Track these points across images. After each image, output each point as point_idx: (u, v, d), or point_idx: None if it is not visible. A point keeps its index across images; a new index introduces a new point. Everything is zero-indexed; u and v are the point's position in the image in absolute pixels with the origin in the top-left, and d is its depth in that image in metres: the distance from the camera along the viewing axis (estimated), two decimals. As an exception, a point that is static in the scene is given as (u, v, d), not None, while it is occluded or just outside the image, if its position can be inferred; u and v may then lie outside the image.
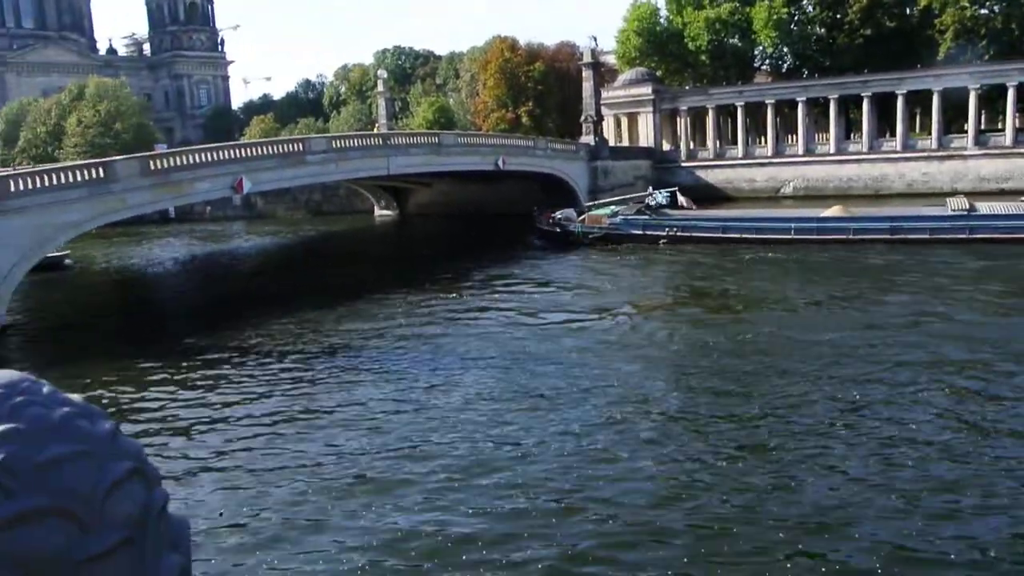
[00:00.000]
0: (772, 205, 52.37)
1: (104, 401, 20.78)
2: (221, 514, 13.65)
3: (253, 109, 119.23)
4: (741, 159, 70.91)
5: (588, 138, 67.14)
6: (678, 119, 73.67)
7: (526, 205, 51.38)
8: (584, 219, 46.55)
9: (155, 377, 22.71)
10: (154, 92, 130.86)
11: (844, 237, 39.94)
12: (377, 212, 73.97)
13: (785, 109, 70.95)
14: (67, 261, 48.11)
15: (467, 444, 16.10)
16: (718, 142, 72.55)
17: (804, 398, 17.89)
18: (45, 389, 1.17)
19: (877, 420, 16.30)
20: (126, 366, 24.01)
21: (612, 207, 47.68)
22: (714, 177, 70.86)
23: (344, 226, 67.44)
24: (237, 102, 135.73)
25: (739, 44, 75.97)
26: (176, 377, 22.50)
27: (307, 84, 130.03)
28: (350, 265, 45.25)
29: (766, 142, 71.21)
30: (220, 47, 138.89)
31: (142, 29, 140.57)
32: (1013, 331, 22.98)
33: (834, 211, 43.05)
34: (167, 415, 19.43)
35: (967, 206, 40.93)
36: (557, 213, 47.16)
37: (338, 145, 46.93)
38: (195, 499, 14.42)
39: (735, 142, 72.35)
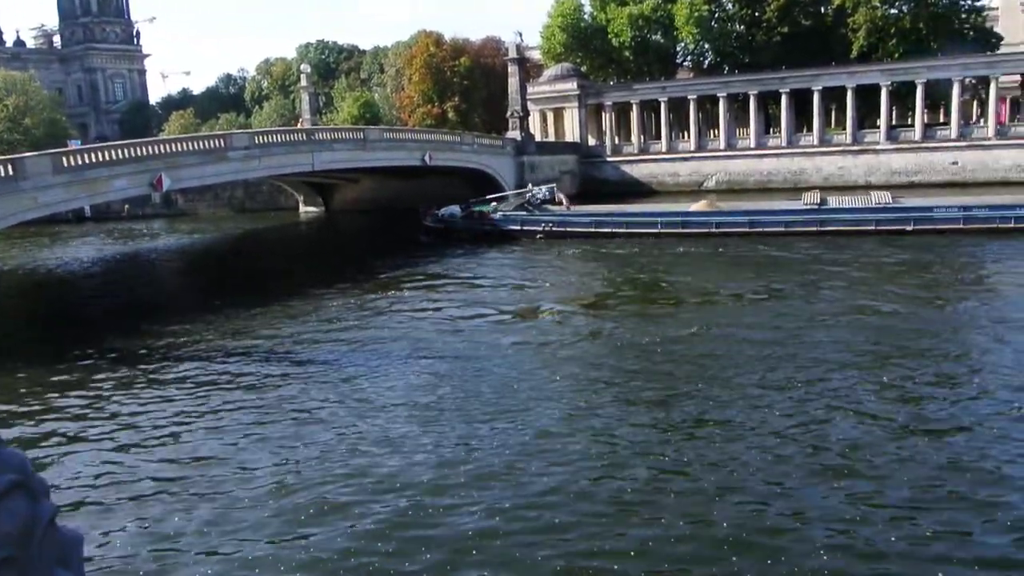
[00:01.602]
0: (695, 199, 53.67)
1: (12, 409, 20.09)
2: (135, 525, 13.34)
3: (172, 104, 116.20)
4: (665, 154, 72.12)
5: (515, 133, 67.38)
6: (603, 114, 74.49)
7: (454, 201, 51.67)
8: (467, 215, 47.99)
9: (70, 383, 21.97)
10: (66, 86, 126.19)
11: (707, 231, 42.00)
12: (302, 209, 72.92)
13: (707, 105, 72.41)
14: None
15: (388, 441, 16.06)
16: (642, 137, 73.65)
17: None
18: None
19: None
20: (39, 373, 23.17)
21: (494, 204, 49.18)
22: (639, 172, 71.90)
23: (268, 223, 66.32)
24: (155, 97, 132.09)
25: (662, 40, 77.18)
26: (92, 384, 21.77)
27: (228, 78, 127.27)
28: (273, 264, 44.86)
29: (689, 137, 72.58)
30: (136, 40, 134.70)
31: (52, 20, 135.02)
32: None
33: (700, 206, 45.44)
34: (81, 423, 18.81)
35: (819, 200, 43.51)
36: (442, 210, 48.49)
37: (261, 141, 45.99)
38: (108, 510, 14.05)
39: (659, 137, 73.57)
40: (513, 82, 69.35)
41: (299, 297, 31.99)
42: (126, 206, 72.99)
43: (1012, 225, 37.72)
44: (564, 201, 50.07)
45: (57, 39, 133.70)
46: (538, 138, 71.79)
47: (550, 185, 52.75)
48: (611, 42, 76.05)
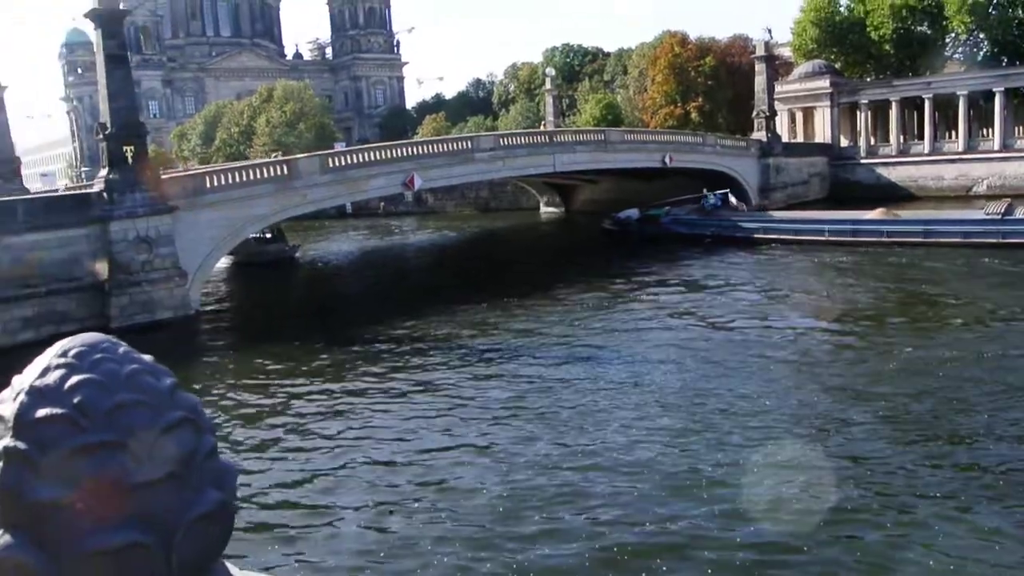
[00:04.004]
0: (963, 205, 49.25)
1: (265, 383, 22.15)
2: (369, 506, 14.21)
3: (426, 108, 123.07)
4: (927, 155, 66.41)
5: (760, 134, 64.82)
6: (857, 113, 69.88)
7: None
8: (641, 218, 49.16)
9: (323, 364, 23.94)
10: (334, 93, 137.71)
11: (877, 239, 40.05)
12: (543, 209, 74.63)
13: (980, 101, 65.68)
14: (297, 255, 51.37)
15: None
16: (902, 137, 68.26)
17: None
18: (121, 349, 1.42)
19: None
20: (298, 353, 25.40)
21: (667, 208, 49.81)
22: (897, 175, 66.75)
23: (510, 222, 68.52)
24: (411, 101, 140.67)
25: (928, 31, 71.05)
26: (341, 368, 23.60)
27: (477, 83, 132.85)
28: (511, 260, 46.73)
29: (956, 137, 66.26)
30: (396, 49, 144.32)
31: (325, 34, 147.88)
32: None
33: (876, 214, 43.20)
34: (324, 401, 20.46)
35: (1003, 210, 39.80)
36: (622, 213, 50.04)
37: (505, 143, 47.67)
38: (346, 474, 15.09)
39: (921, 137, 67.84)
40: (760, 80, 66.73)
41: (529, 294, 32.86)
42: (382, 203, 78.32)
43: None
44: (738, 205, 50.67)
45: (329, 51, 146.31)
46: (785, 139, 68.66)
47: (724, 191, 52.13)
48: (869, 36, 71.12)
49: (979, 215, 40.87)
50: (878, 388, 18.88)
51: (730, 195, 51.65)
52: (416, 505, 13.88)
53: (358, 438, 17.58)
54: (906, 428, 16.33)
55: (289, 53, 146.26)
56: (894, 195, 62.74)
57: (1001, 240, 37.20)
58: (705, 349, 23.33)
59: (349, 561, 12.27)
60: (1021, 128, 65.54)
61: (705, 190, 51.97)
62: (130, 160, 31.55)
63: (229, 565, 1.53)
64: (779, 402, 18.29)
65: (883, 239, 40.02)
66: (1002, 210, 40.14)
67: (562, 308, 30.11)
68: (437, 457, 16.14)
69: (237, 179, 34.89)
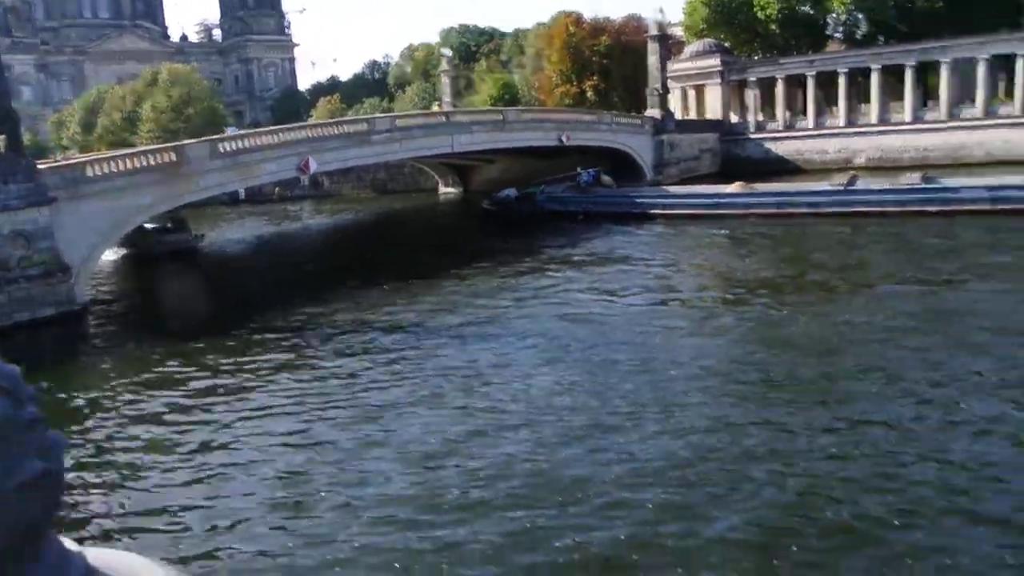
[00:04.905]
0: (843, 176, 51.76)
1: (157, 377, 21.43)
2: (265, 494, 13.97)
3: (320, 90, 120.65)
4: (812, 130, 69.06)
5: (654, 111, 66.09)
6: (746, 90, 71.96)
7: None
8: (519, 197, 50.67)
9: (221, 356, 23.28)
10: (224, 76, 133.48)
11: (736, 212, 42.51)
12: (442, 190, 74.27)
13: (858, 78, 68.54)
14: (202, 244, 49.53)
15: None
16: (788, 113, 70.69)
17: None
18: None
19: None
20: (194, 346, 24.64)
21: (542, 186, 51.59)
22: (783, 149, 69.22)
23: (407, 204, 68.02)
24: (304, 84, 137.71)
25: (811, 12, 73.67)
26: (241, 359, 23.01)
27: (373, 65, 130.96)
28: (408, 242, 46.72)
29: (838, 112, 69.04)
30: (287, 30, 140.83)
31: (213, 15, 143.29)
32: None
33: (734, 187, 45.86)
34: (222, 395, 19.92)
35: (846, 182, 43.40)
36: (499, 193, 51.69)
37: (402, 124, 47.18)
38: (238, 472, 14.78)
39: (806, 113, 70.42)
40: (653, 59, 67.96)
41: (424, 276, 32.95)
42: (276, 188, 76.43)
43: None
44: (610, 183, 52.44)
45: (217, 32, 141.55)
46: (678, 116, 70.15)
47: (596, 168, 53.44)
48: (756, 16, 73.23)
49: (826, 187, 43.87)
50: (769, 352, 19.65)
51: (601, 172, 53.23)
52: (323, 496, 13.67)
53: (257, 432, 17.15)
54: (796, 388, 17.05)
55: (175, 35, 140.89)
56: (782, 169, 65.10)
57: (846, 210, 40.07)
58: (601, 321, 23.78)
59: (250, 557, 12.03)
60: (895, 103, 68.73)
61: (579, 168, 53.21)
62: (2, 150, 29.86)
63: (64, 539, 1.52)
64: (676, 368, 18.84)
65: (741, 211, 42.51)
66: (846, 181, 43.57)
67: (461, 288, 30.15)
68: (341, 447, 15.93)
69: (121, 167, 33.34)
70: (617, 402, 16.92)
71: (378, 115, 57.86)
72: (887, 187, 42.56)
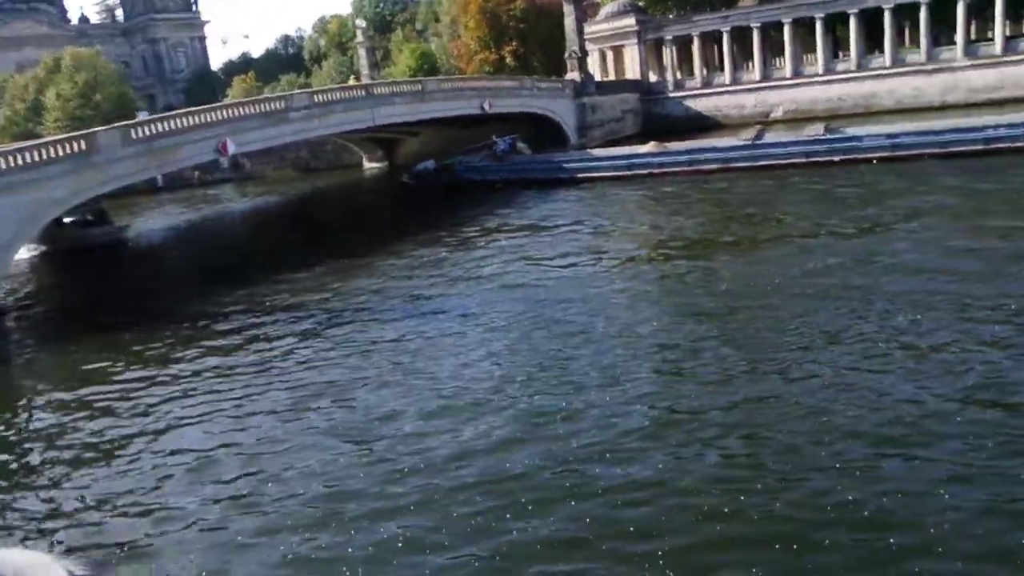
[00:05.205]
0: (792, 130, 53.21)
1: (83, 376, 20.91)
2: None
3: (234, 69, 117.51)
4: (729, 86, 70.04)
5: (574, 74, 66.19)
6: (663, 49, 72.46)
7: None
8: (437, 168, 51.28)
9: (151, 350, 22.77)
10: (131, 59, 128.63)
11: (650, 172, 43.71)
12: (366, 165, 73.39)
13: (771, 32, 69.68)
14: (127, 236, 48.22)
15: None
16: (705, 70, 71.51)
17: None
18: None
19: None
20: (121, 342, 24.02)
21: (460, 157, 52.06)
22: (703, 105, 70.12)
23: (332, 181, 67.05)
24: (217, 63, 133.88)
25: (721, -33, 74.33)
26: (172, 352, 22.53)
27: (286, 40, 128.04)
28: (335, 221, 46.50)
29: (753, 67, 70.14)
30: (194, 7, 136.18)
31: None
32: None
33: (648, 148, 47.17)
34: (153, 389, 19.54)
35: (753, 136, 45.05)
36: (418, 166, 52.46)
37: (320, 99, 46.25)
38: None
39: (722, 69, 71.35)
40: (569, 22, 67.90)
41: (355, 253, 32.84)
42: (196, 173, 74.38)
43: None
44: (526, 149, 53.09)
45: (119, 12, 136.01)
46: (598, 78, 70.37)
47: (512, 136, 53.89)
48: (669, -27, 73.63)
49: (735, 142, 45.12)
50: (702, 308, 20.08)
51: (517, 140, 53.60)
52: (259, 490, 13.56)
53: (193, 424, 16.91)
54: (738, 339, 17.49)
55: (74, 17, 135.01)
56: (703, 125, 66.04)
57: (754, 164, 41.36)
58: (536, 286, 23.94)
59: (181, 555, 11.90)
60: (808, 55, 70.15)
61: (495, 136, 53.29)
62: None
63: None
64: (618, 326, 19.14)
65: (656, 171, 43.56)
66: (753, 136, 44.91)
67: (389, 265, 29.97)
68: (275, 434, 15.78)
69: (28, 160, 32.00)
70: (558, 369, 17.14)
71: (296, 91, 56.61)
72: (792, 139, 43.94)
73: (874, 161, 38.70)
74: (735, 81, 70.02)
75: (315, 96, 46.70)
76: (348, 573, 10.72)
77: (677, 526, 10.97)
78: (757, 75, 69.28)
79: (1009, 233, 23.53)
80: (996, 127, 38.89)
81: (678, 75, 72.45)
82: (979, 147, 37.54)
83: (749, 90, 69.12)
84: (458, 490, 12.48)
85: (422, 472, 13.18)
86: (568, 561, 10.50)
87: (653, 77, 73.15)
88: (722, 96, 69.90)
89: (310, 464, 14.09)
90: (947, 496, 10.87)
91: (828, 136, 42.80)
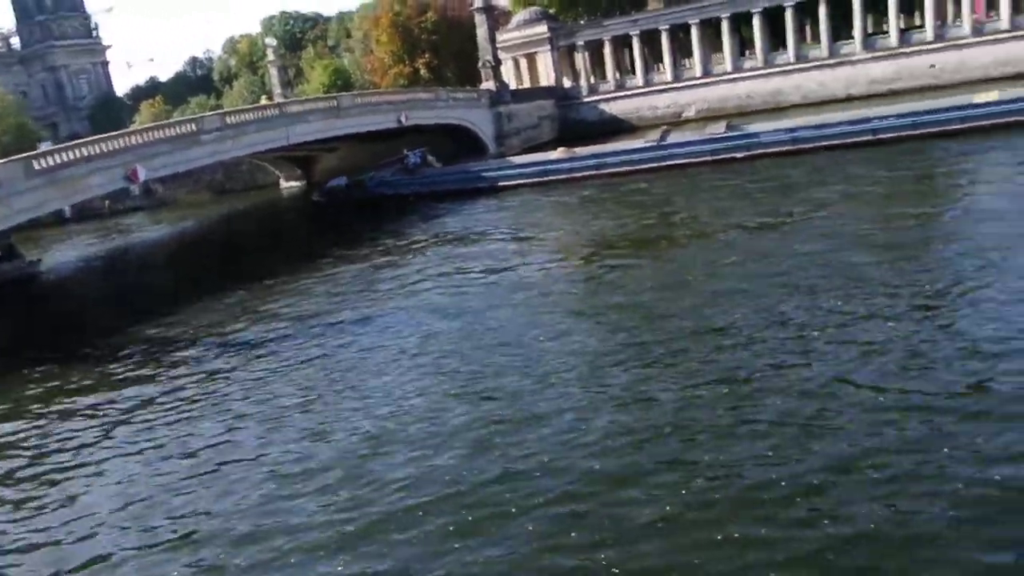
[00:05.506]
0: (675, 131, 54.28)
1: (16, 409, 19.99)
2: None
3: (141, 94, 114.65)
4: (642, 88, 71.25)
5: (489, 84, 66.32)
6: (576, 55, 73.34)
7: (437, 158, 54.16)
8: (350, 185, 51.29)
9: (67, 387, 21.86)
10: (30, 88, 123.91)
11: (563, 178, 44.34)
12: (283, 184, 72.12)
13: (680, 34, 71.13)
14: (41, 270, 46.49)
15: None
16: (617, 73, 72.60)
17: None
18: None
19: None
20: (33, 381, 23.01)
21: (372, 172, 52.22)
22: (618, 108, 71.11)
23: (249, 203, 65.66)
24: (122, 88, 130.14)
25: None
26: (91, 387, 21.69)
27: (194, 62, 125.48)
28: (254, 244, 45.57)
29: (664, 68, 71.47)
30: (95, 32, 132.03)
31: (7, 22, 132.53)
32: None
33: (557, 154, 48.02)
34: (72, 426, 18.76)
35: (659, 137, 46.29)
36: (329, 183, 52.37)
37: (232, 120, 45.22)
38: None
39: (634, 72, 72.48)
40: (482, 32, 68.07)
41: (274, 276, 32.18)
42: (107, 202, 72.02)
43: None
44: (435, 162, 53.13)
45: (15, 40, 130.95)
46: (513, 86, 70.73)
47: (422, 148, 54.05)
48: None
49: (641, 144, 46.14)
50: (629, 306, 20.23)
51: (427, 153, 53.61)
52: (191, 525, 13.09)
53: (124, 456, 16.29)
54: (663, 338, 17.63)
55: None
56: (618, 128, 66.92)
57: (661, 164, 42.30)
58: (444, 304, 23.79)
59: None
60: (717, 55, 71.81)
61: (405, 150, 53.29)
62: None
63: None
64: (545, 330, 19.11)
65: (565, 176, 44.27)
66: (658, 137, 45.94)
67: (309, 283, 29.49)
68: (211, 468, 15.27)
69: (-78, 198, 30.49)
70: (491, 380, 17.02)
71: (207, 113, 55.31)
72: (696, 138, 45.12)
73: (775, 156, 39.93)
74: (647, 83, 71.24)
75: (227, 117, 45.66)
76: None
77: (602, 519, 10.99)
78: (668, 76, 70.61)
79: (894, 219, 24.90)
80: (883, 119, 40.94)
81: (592, 80, 73.36)
82: (868, 138, 39.46)
83: (661, 91, 70.40)
84: (402, 512, 12.24)
85: (361, 499, 12.87)
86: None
87: (567, 83, 73.89)
88: (635, 98, 71.01)
89: (243, 494, 13.64)
90: (869, 471, 11.19)
91: (730, 134, 44.12)
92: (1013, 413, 12.31)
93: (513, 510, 11.70)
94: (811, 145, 40.08)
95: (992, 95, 40.33)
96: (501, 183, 45.87)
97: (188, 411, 18.28)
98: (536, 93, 71.95)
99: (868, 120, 41.21)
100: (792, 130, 42.15)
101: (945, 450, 11.51)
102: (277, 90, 79.30)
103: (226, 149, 45.77)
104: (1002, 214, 23.41)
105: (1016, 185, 27.51)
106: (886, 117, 41.07)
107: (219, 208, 66.75)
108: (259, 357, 21.51)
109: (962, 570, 9.30)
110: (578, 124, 70.28)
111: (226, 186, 75.46)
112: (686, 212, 32.05)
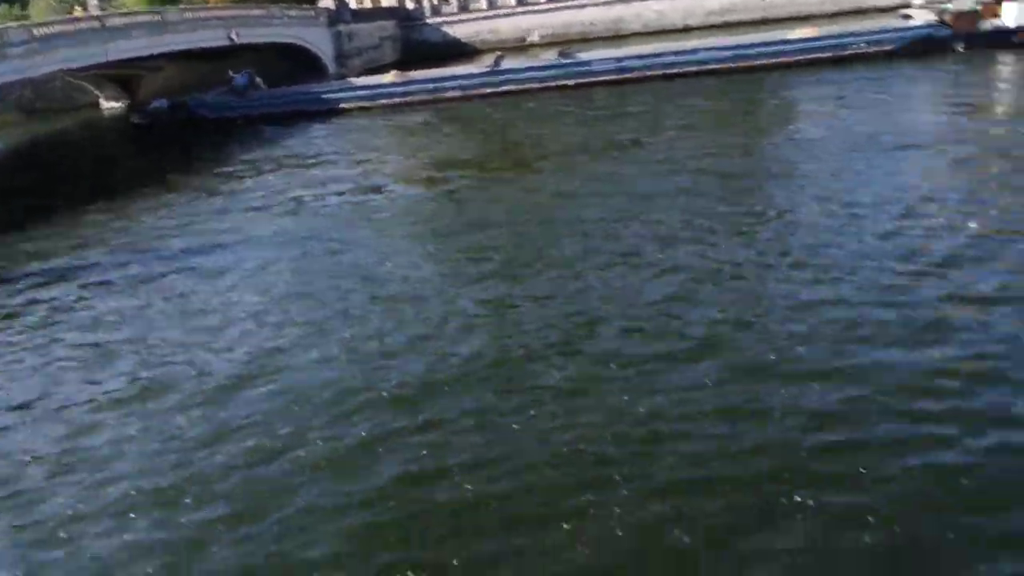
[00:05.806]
0: (517, 56, 54.29)
1: None
2: None
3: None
4: (486, 11, 70.44)
5: (328, 2, 63.66)
6: (418, -25, 71.36)
7: (273, 79, 51.20)
8: (171, 107, 49.04)
9: None
10: None
11: (398, 101, 44.51)
12: (104, 105, 66.90)
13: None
14: None
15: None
16: (462, -5, 71.37)
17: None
18: None
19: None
20: None
21: (195, 93, 50.38)
22: (461, 31, 70.14)
23: (65, 125, 60.63)
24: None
25: None
26: None
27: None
28: (76, 170, 41.87)
29: (510, -7, 70.84)
30: None
31: None
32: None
33: (389, 77, 47.50)
34: None
35: (492, 63, 47.06)
36: (149, 106, 50.12)
37: (42, 33, 41.28)
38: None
39: (479, -5, 71.48)
40: (317, -53, 64.96)
41: (91, 202, 30.26)
42: None
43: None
44: (261, 84, 51.03)
45: None
46: (353, 5, 68.18)
47: (248, 71, 51.77)
48: None
49: (475, 69, 46.43)
50: (481, 236, 20.27)
51: (255, 74, 51.28)
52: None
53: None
54: (520, 263, 17.79)
55: None
56: (461, 51, 66.09)
57: (495, 90, 42.93)
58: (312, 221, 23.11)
59: None
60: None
61: (230, 72, 50.99)
62: None
63: None
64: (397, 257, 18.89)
65: (400, 100, 44.10)
66: (492, 63, 46.49)
67: (137, 213, 27.79)
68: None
69: None
70: (340, 304, 16.72)
71: (11, 25, 50.18)
72: (529, 65, 45.70)
73: (604, 84, 41.17)
74: (491, 6, 70.48)
75: (35, 30, 41.61)
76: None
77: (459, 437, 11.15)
78: (513, 1, 70.03)
79: (722, 147, 26.27)
80: (708, 50, 42.91)
81: (435, 1, 71.74)
82: (694, 68, 41.32)
83: (506, 15, 69.92)
84: (246, 452, 11.91)
85: (205, 439, 12.43)
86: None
87: (411, 4, 72.03)
88: (479, 22, 70.21)
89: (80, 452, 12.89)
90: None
91: (562, 61, 44.79)
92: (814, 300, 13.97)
93: (358, 445, 11.62)
94: (639, 75, 41.50)
95: (809, 31, 42.70)
96: (333, 107, 44.89)
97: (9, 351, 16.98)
98: (378, 13, 69.75)
99: (694, 51, 42.99)
100: (620, 59, 43.25)
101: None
102: (93, 1, 72.90)
103: (35, 65, 41.70)
104: (816, 143, 25.38)
105: (827, 116, 29.89)
106: (710, 49, 42.91)
107: (28, 130, 61.25)
108: (87, 292, 20.16)
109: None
110: (421, 45, 68.83)
111: (36, 105, 69.02)
112: (523, 138, 32.49)
